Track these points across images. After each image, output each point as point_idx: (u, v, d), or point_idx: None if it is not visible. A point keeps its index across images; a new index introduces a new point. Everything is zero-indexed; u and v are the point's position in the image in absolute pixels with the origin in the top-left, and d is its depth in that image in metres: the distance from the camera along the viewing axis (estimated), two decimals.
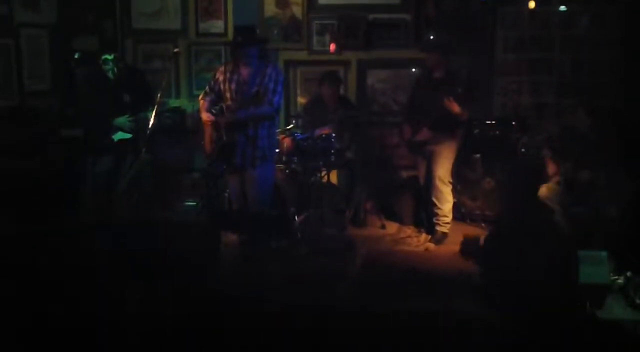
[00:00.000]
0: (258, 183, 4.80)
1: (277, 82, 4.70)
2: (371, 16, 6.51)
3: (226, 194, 5.45)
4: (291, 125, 5.93)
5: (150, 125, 5.12)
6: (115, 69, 5.42)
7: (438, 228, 5.51)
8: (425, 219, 5.82)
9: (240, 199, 4.94)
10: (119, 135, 5.53)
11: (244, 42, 4.67)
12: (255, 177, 4.78)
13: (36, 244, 4.61)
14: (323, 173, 5.75)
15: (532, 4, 6.08)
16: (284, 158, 5.64)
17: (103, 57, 5.46)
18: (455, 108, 5.12)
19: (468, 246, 5.12)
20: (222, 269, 4.63)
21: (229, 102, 4.77)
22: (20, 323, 3.56)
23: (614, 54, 6.02)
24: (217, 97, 4.85)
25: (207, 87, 4.93)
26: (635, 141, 5.09)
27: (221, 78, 4.82)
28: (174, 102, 6.76)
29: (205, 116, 4.80)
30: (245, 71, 4.74)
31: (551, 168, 5.17)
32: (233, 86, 4.76)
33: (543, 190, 5.05)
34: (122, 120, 5.49)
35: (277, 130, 5.23)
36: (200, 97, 4.95)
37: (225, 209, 5.45)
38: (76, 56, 6.00)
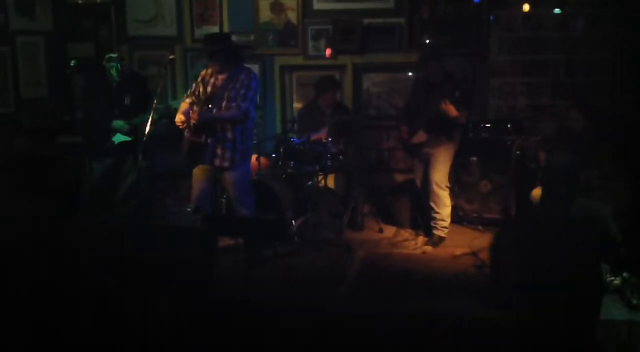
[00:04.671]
0: (232, 185, 4.95)
1: (249, 89, 4.82)
2: (366, 20, 6.53)
3: (223, 199, 5.46)
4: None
5: (146, 132, 5.16)
6: (119, 66, 5.50)
7: (435, 232, 5.52)
8: (422, 222, 5.84)
9: (203, 199, 5.03)
10: (118, 138, 5.56)
11: (211, 50, 4.85)
12: (228, 179, 4.94)
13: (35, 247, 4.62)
14: (320, 177, 5.77)
15: (526, 7, 6.10)
16: (280, 163, 5.67)
17: (107, 56, 5.57)
18: (453, 111, 5.15)
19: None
20: (219, 273, 4.63)
21: (204, 105, 4.88)
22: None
23: (608, 55, 6.05)
24: (196, 100, 4.99)
25: (189, 90, 5.12)
26: (630, 141, 5.13)
27: (200, 81, 4.98)
28: (174, 103, 6.79)
29: (177, 118, 4.94)
30: (220, 76, 4.89)
31: None
32: (209, 90, 4.90)
33: (538, 192, 5.07)
34: (119, 123, 5.53)
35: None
36: (183, 99, 5.13)
37: (222, 213, 5.46)
38: (72, 63, 6.03)
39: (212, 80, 4.92)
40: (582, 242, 3.25)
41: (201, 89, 4.95)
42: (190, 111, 4.91)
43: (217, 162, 4.89)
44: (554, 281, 3.32)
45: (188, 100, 5.03)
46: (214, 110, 4.82)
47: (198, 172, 5.01)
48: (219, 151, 4.87)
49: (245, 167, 5.03)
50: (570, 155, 4.68)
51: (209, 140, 4.85)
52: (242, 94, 4.79)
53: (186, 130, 4.92)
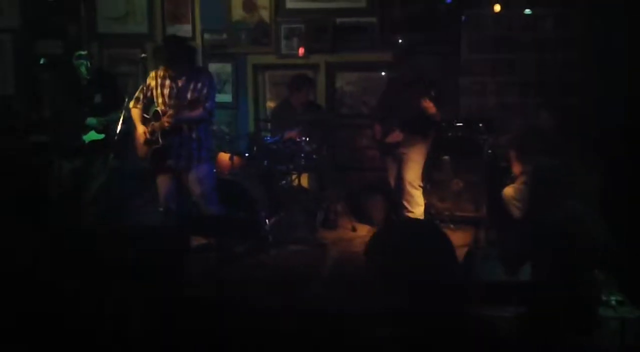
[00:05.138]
0: (199, 182, 4.98)
1: (211, 88, 4.89)
2: (338, 20, 6.54)
3: (194, 198, 5.42)
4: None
5: (118, 131, 5.12)
6: (89, 64, 5.45)
7: None
8: (395, 220, 5.87)
9: (172, 200, 5.06)
10: (90, 136, 5.50)
11: (173, 54, 4.82)
12: (195, 177, 4.97)
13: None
14: (293, 176, 5.77)
15: (497, 7, 6.17)
16: (253, 162, 5.65)
17: (77, 53, 5.51)
18: (432, 108, 5.18)
19: None
20: (191, 273, 4.61)
21: (163, 107, 4.86)
22: None
23: (577, 54, 6.15)
24: (149, 103, 4.98)
25: (138, 94, 5.02)
26: (599, 138, 5.22)
27: (153, 84, 4.94)
28: None
29: (140, 128, 4.92)
30: (178, 78, 4.87)
31: (517, 168, 5.25)
32: (166, 92, 4.88)
33: (509, 191, 5.14)
34: (93, 120, 5.48)
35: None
36: (132, 105, 5.02)
37: (194, 213, 5.43)
38: (41, 61, 5.94)
39: (167, 82, 4.88)
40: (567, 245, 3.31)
41: (156, 92, 4.91)
42: (146, 115, 4.89)
43: (183, 163, 4.92)
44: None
45: (139, 106, 4.98)
46: (184, 113, 4.80)
47: (162, 174, 5.01)
48: (185, 152, 4.91)
49: (211, 163, 5.15)
50: (557, 160, 4.76)
51: (173, 143, 4.87)
52: (205, 94, 4.83)
53: (148, 136, 4.88)
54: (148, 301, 3.86)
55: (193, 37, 6.70)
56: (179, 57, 4.82)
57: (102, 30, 6.84)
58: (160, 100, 4.90)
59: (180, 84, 4.86)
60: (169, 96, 4.87)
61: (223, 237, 4.93)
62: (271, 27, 6.63)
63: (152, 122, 4.88)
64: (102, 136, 5.51)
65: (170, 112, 4.78)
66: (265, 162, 5.60)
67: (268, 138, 5.75)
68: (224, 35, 6.68)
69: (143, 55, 5.63)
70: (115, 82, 5.78)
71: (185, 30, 6.64)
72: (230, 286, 4.43)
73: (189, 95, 4.82)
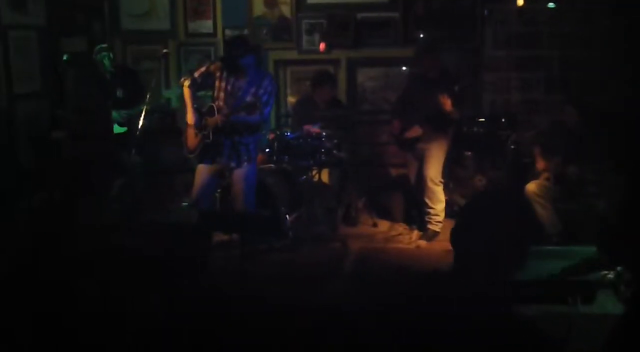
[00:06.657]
0: (242, 182, 4.95)
1: (271, 95, 4.87)
2: (360, 15, 6.53)
3: (217, 194, 5.45)
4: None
5: (139, 127, 5.15)
6: (111, 55, 5.48)
7: (430, 227, 5.52)
8: (416, 216, 5.84)
9: (205, 196, 5.03)
10: (114, 129, 5.55)
11: (239, 55, 4.77)
12: (239, 177, 4.93)
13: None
14: (314, 172, 5.76)
15: (520, 1, 6.11)
16: (274, 157, 5.66)
17: (98, 46, 5.55)
18: (450, 106, 5.14)
19: None
20: (214, 269, 4.63)
21: (220, 104, 4.84)
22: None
23: (601, 51, 6.06)
24: (203, 88, 4.96)
25: (195, 74, 4.93)
26: (622, 136, 5.14)
27: (217, 75, 4.90)
28: (168, 93, 6.77)
29: (191, 113, 4.87)
30: (242, 78, 4.85)
31: (540, 164, 5.20)
32: (229, 88, 4.86)
33: (532, 187, 5.08)
34: (114, 114, 5.52)
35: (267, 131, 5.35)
36: (187, 83, 4.91)
37: (216, 209, 5.45)
38: (65, 58, 5.99)
39: (231, 79, 4.85)
40: None
41: (218, 84, 4.87)
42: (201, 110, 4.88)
43: (233, 164, 4.90)
44: None
45: (194, 87, 4.90)
46: (240, 115, 4.78)
47: (204, 167, 4.99)
48: (235, 154, 4.89)
49: (254, 166, 5.12)
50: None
51: (225, 143, 4.86)
52: (264, 101, 4.82)
53: (198, 128, 4.88)
54: (170, 297, 3.88)
55: (214, 33, 6.72)
56: (242, 59, 4.77)
57: (125, 27, 6.89)
58: (221, 94, 4.87)
59: (241, 84, 4.84)
60: (229, 95, 4.85)
61: (244, 233, 4.95)
62: (292, 22, 6.63)
63: (206, 117, 4.87)
64: (124, 129, 5.55)
65: (226, 111, 4.76)
66: (286, 158, 5.60)
67: (289, 134, 5.75)
68: (245, 31, 6.70)
69: (165, 51, 5.65)
70: (137, 77, 5.84)
71: (206, 26, 6.67)
72: (251, 282, 4.44)
73: (248, 98, 4.76)
